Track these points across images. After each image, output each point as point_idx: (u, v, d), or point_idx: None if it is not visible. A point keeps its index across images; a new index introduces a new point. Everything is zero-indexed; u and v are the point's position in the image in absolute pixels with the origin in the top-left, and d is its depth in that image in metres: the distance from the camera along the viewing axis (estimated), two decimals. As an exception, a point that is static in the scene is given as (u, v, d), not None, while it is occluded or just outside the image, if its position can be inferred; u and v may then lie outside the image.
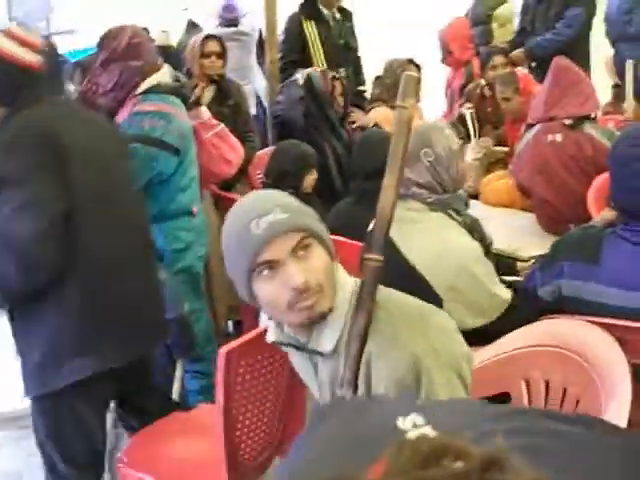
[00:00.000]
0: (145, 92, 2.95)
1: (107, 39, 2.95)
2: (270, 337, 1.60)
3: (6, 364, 2.55)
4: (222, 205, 3.60)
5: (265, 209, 1.42)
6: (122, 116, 2.96)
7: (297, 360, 1.68)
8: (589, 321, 2.03)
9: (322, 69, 4.36)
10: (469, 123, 4.36)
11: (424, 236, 2.28)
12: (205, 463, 2.26)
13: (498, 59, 4.88)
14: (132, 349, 2.34)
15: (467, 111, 4.41)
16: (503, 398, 2.06)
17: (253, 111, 5.21)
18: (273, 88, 4.43)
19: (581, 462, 0.89)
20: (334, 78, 4.21)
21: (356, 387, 1.46)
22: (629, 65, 3.96)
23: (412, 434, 0.82)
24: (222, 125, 3.51)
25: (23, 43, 2.18)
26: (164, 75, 3.04)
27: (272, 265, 1.41)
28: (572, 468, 0.88)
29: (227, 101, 4.07)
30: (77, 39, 6.74)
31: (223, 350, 2.06)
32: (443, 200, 2.36)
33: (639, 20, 5.07)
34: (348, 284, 1.54)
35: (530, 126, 3.60)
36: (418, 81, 1.53)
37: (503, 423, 0.92)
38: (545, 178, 3.43)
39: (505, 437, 0.80)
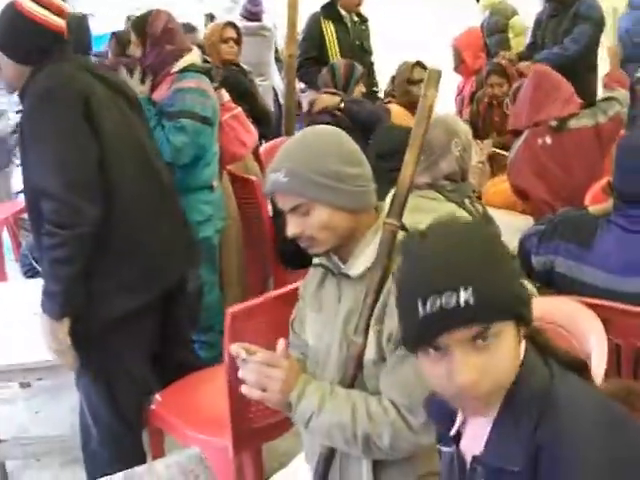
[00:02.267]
0: (181, 70, 3.08)
1: (144, 23, 3.08)
2: (315, 260, 1.82)
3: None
4: (238, 185, 3.72)
5: (278, 164, 1.64)
6: (159, 94, 3.09)
7: (327, 290, 1.80)
8: (577, 300, 2.15)
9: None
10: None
11: None
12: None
13: (494, 78, 4.95)
14: (161, 282, 2.49)
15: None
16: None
17: (271, 108, 5.38)
18: (291, 81, 4.57)
19: None
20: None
21: (366, 336, 1.63)
22: None
23: None
24: (239, 108, 3.65)
25: (50, 7, 2.25)
26: (196, 56, 3.19)
27: None
28: None
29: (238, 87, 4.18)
30: (95, 24, 6.75)
31: (230, 310, 2.19)
32: (460, 188, 2.47)
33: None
34: None
35: (516, 133, 3.76)
36: (439, 75, 1.71)
37: None
38: (543, 181, 3.56)
39: None
